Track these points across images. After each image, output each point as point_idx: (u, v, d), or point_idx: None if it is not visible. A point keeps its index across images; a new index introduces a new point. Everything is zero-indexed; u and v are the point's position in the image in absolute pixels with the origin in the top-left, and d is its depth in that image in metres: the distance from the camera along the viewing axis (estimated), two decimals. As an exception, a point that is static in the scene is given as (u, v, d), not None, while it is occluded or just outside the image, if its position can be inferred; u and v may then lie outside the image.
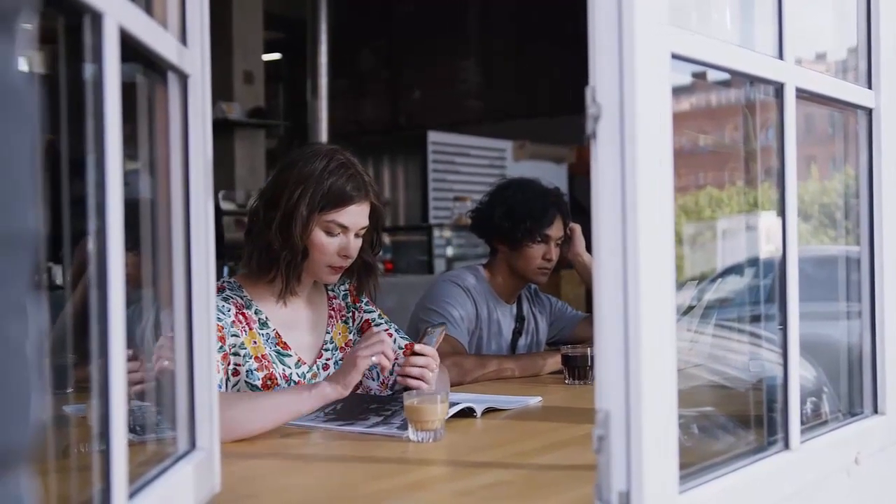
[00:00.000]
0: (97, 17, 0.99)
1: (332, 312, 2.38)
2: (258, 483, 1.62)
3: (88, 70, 1.01)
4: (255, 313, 2.22)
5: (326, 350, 2.33)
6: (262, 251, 2.20)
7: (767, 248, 1.93)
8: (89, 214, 1.02)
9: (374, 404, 2.13)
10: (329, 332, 2.35)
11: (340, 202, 2.18)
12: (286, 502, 1.55)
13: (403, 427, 1.90)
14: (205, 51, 1.39)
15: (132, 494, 1.08)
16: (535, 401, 2.34)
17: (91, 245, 1.02)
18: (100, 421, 0.99)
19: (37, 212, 0.59)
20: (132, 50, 1.11)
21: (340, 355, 2.34)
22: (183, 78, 1.34)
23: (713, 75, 1.55)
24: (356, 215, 2.21)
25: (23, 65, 0.58)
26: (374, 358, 1.98)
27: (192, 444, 1.36)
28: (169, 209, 1.35)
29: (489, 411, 2.17)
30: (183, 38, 1.34)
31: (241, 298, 2.21)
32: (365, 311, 2.44)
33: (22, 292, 0.57)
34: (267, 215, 2.19)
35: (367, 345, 2.00)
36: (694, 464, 1.32)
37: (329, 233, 2.19)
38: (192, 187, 1.36)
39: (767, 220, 1.87)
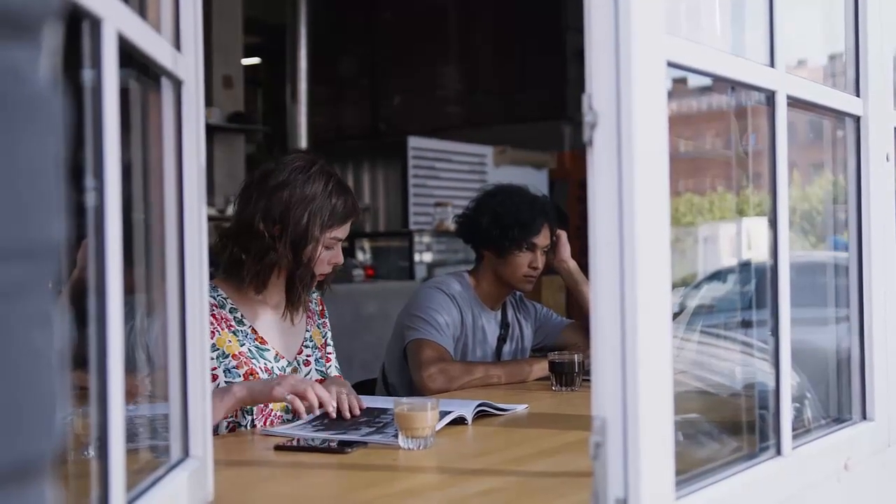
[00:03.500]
0: (96, 23, 0.98)
1: (310, 313, 2.46)
2: (250, 492, 1.61)
3: (87, 75, 1.00)
4: (230, 312, 2.26)
5: (307, 347, 2.40)
6: (268, 269, 2.25)
7: (751, 254, 1.94)
8: (81, 220, 1.01)
9: (363, 417, 2.12)
10: (308, 331, 2.43)
11: (344, 220, 2.30)
12: (278, 510, 1.54)
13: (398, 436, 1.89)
14: (198, 57, 1.38)
15: (129, 503, 1.07)
16: (521, 408, 2.35)
17: (88, 251, 1.01)
18: (98, 429, 0.98)
19: (61, 221, 0.58)
20: (127, 55, 1.11)
21: (319, 354, 2.43)
22: (177, 84, 1.33)
23: (694, 81, 1.56)
24: (349, 228, 2.34)
25: (48, 72, 0.57)
26: (288, 397, 2.02)
27: (186, 453, 1.35)
28: (162, 215, 1.34)
29: (481, 415, 2.17)
30: (177, 44, 1.33)
31: (215, 298, 2.23)
32: (328, 328, 2.51)
33: (46, 301, 0.57)
34: (270, 234, 2.21)
35: (295, 382, 2.05)
36: (689, 470, 1.32)
37: (327, 248, 2.29)
38: (186, 193, 1.35)
39: (750, 226, 1.88)
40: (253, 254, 2.23)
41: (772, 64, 1.53)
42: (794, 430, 1.57)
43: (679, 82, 1.54)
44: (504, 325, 3.14)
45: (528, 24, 9.11)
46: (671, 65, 1.26)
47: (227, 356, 2.20)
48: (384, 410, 2.15)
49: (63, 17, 0.64)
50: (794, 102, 1.59)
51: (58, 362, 0.58)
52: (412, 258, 7.36)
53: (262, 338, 2.29)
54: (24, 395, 0.55)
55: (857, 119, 1.82)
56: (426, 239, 7.55)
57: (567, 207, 7.47)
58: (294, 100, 8.42)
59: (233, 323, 2.25)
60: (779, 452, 1.51)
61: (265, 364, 2.26)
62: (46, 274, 0.57)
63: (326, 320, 2.51)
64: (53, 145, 0.57)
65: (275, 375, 2.26)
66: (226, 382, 2.17)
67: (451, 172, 8.30)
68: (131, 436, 1.40)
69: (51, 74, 0.58)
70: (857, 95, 1.82)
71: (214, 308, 2.22)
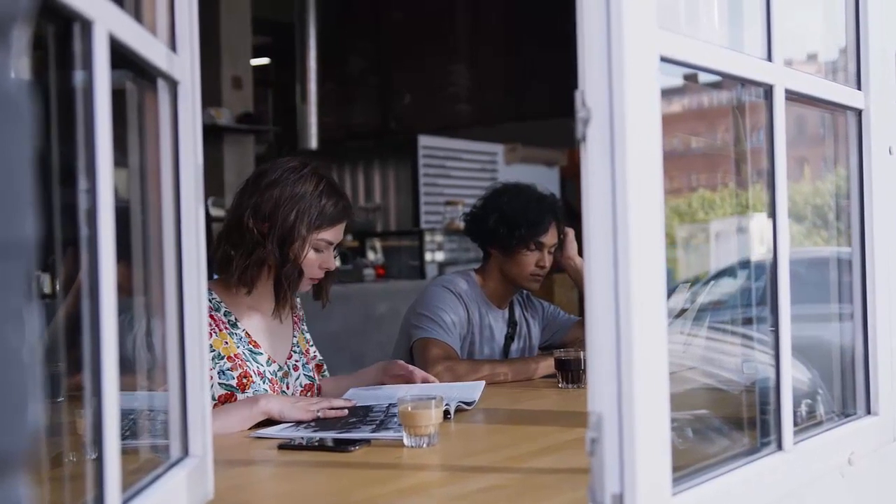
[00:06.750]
0: (87, 25, 0.99)
1: (296, 319, 2.50)
2: (251, 490, 1.61)
3: (78, 77, 1.00)
4: (225, 315, 2.30)
5: (295, 352, 2.44)
6: (255, 266, 2.27)
7: (760, 250, 1.94)
8: (80, 222, 1.01)
9: (352, 417, 2.11)
10: (295, 336, 2.47)
11: (333, 222, 2.31)
12: (280, 509, 1.55)
13: (399, 430, 1.89)
14: (195, 57, 1.38)
15: (125, 501, 1.07)
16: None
17: (82, 253, 1.01)
18: (93, 428, 0.99)
19: (34, 219, 0.59)
20: (121, 56, 1.11)
21: (305, 359, 2.46)
22: (173, 85, 1.33)
23: (704, 77, 1.56)
24: (341, 232, 2.36)
25: (18, 72, 0.58)
26: (319, 414, 2.13)
27: (185, 452, 1.35)
28: (159, 217, 1.34)
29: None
30: (172, 45, 1.34)
31: (210, 301, 2.26)
32: (306, 331, 2.56)
33: (20, 299, 0.57)
34: (259, 230, 2.24)
35: (317, 400, 2.21)
36: (687, 465, 1.32)
37: (317, 250, 2.31)
38: (183, 195, 1.35)
39: (760, 222, 1.88)
40: (241, 251, 2.26)
41: (769, 58, 1.52)
42: (803, 425, 1.57)
43: (689, 79, 1.54)
44: (511, 323, 3.14)
45: (536, 21, 9.10)
46: (665, 60, 1.26)
47: (222, 357, 2.23)
48: (370, 408, 2.18)
49: (34, 18, 0.64)
50: (793, 97, 1.58)
51: (31, 359, 0.58)
52: (423, 257, 7.36)
53: (254, 341, 2.32)
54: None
55: (859, 112, 1.81)
56: (437, 238, 7.54)
57: (579, 205, 7.45)
58: (304, 100, 8.43)
59: (228, 325, 2.29)
60: (780, 447, 1.50)
61: (258, 367, 2.29)
62: (20, 271, 0.57)
63: (305, 325, 2.55)
64: (24, 145, 0.58)
65: (267, 379, 2.29)
66: (220, 384, 2.21)
67: (461, 171, 8.30)
68: (133, 435, 1.41)
69: (21, 75, 0.58)
70: (859, 89, 1.81)
71: (210, 310, 2.24)
